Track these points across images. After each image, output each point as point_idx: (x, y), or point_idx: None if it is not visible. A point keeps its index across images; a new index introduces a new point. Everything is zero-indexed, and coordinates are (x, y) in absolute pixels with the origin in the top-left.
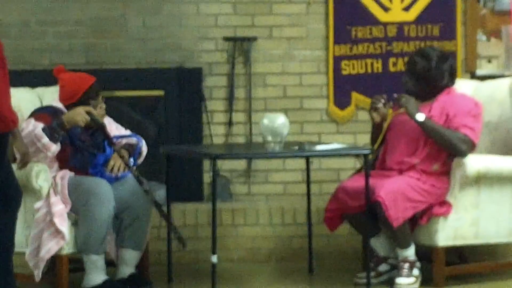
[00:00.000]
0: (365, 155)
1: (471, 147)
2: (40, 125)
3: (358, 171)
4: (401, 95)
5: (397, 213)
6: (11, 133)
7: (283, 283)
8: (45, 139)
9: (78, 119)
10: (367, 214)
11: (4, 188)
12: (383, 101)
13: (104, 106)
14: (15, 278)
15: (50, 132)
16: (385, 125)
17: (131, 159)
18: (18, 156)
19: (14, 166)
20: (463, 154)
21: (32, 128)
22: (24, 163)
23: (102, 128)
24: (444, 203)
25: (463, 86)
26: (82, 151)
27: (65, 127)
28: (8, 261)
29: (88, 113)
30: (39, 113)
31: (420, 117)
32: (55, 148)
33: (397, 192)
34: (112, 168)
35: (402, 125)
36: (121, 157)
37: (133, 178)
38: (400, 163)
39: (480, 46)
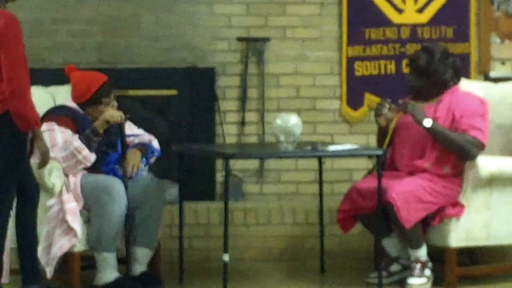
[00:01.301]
0: (378, 156)
1: (481, 148)
2: (76, 137)
3: (370, 172)
4: (406, 101)
5: (409, 215)
6: (32, 132)
7: (294, 283)
8: (86, 151)
9: (115, 115)
10: (379, 215)
11: (24, 185)
12: (387, 106)
13: (116, 104)
14: (41, 273)
15: (88, 142)
16: (391, 126)
17: (144, 159)
18: (38, 155)
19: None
20: (473, 157)
21: (69, 139)
22: (44, 163)
23: (122, 126)
24: (456, 204)
25: (475, 88)
26: (95, 149)
27: (99, 133)
28: (33, 256)
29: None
30: (57, 116)
31: (428, 123)
32: (94, 158)
33: (409, 193)
34: (127, 168)
35: (408, 127)
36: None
37: (146, 177)
38: (410, 166)
39: (493, 48)
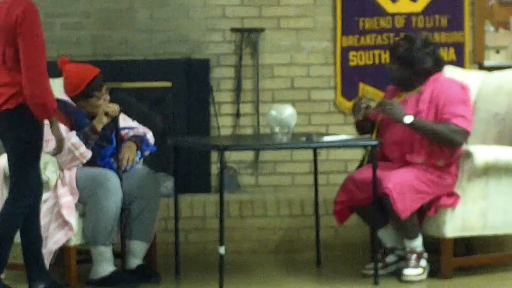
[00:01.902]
0: (373, 146)
1: (465, 135)
2: (73, 133)
3: (361, 162)
4: (383, 102)
5: (405, 205)
6: (50, 120)
7: (290, 275)
8: (83, 148)
9: (113, 108)
10: (375, 206)
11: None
12: (364, 105)
13: (108, 98)
14: (47, 269)
15: (85, 139)
16: (378, 119)
17: (138, 152)
18: (54, 142)
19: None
20: (458, 145)
21: (67, 136)
22: (60, 150)
23: (116, 120)
24: (452, 195)
25: (471, 77)
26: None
27: (97, 131)
28: (38, 253)
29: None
30: None
31: (408, 119)
32: (90, 155)
33: (404, 183)
34: (122, 161)
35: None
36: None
37: (141, 170)
38: (402, 161)
39: (488, 37)
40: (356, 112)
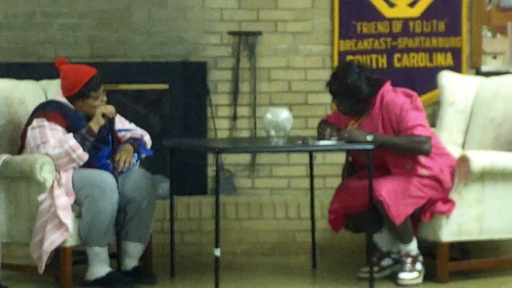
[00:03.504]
0: (369, 150)
1: (429, 141)
2: (71, 135)
3: (344, 170)
4: (341, 134)
5: (399, 211)
6: None
7: (286, 277)
8: (80, 150)
9: (109, 109)
10: (369, 211)
11: None
12: (328, 132)
13: (105, 98)
14: None
15: (82, 141)
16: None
17: (135, 154)
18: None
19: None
20: (426, 153)
21: (64, 137)
22: None
23: (112, 121)
24: (447, 201)
25: (468, 82)
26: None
27: (94, 132)
28: None
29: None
30: (48, 112)
31: (369, 137)
32: (87, 157)
33: (397, 189)
34: (119, 162)
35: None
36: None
37: (137, 171)
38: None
39: (485, 42)
40: (321, 136)
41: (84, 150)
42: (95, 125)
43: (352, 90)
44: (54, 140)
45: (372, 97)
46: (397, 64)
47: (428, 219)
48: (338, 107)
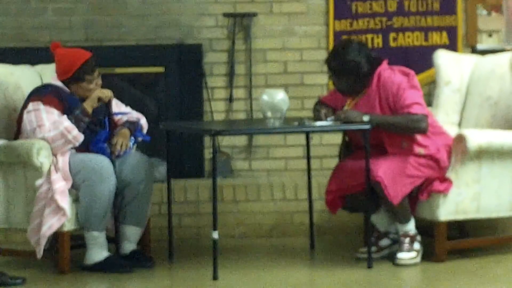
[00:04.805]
0: (365, 130)
1: (426, 119)
2: (65, 117)
3: (341, 151)
4: (337, 114)
5: (396, 191)
6: None
7: (284, 259)
8: (75, 131)
9: (105, 93)
10: (367, 192)
11: None
12: (323, 112)
13: (100, 82)
14: None
15: (77, 122)
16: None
17: (132, 137)
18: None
19: None
20: (423, 131)
21: (59, 120)
22: None
23: (109, 104)
24: (444, 180)
25: (463, 60)
26: (84, 129)
27: (88, 113)
28: None
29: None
30: (43, 96)
31: (365, 118)
32: (82, 138)
33: (394, 169)
34: (116, 146)
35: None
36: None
37: (134, 155)
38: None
39: (480, 20)
40: (316, 117)
41: (79, 131)
42: (89, 106)
43: (352, 66)
44: (49, 123)
45: (370, 75)
46: (392, 44)
47: (426, 198)
48: (336, 85)
